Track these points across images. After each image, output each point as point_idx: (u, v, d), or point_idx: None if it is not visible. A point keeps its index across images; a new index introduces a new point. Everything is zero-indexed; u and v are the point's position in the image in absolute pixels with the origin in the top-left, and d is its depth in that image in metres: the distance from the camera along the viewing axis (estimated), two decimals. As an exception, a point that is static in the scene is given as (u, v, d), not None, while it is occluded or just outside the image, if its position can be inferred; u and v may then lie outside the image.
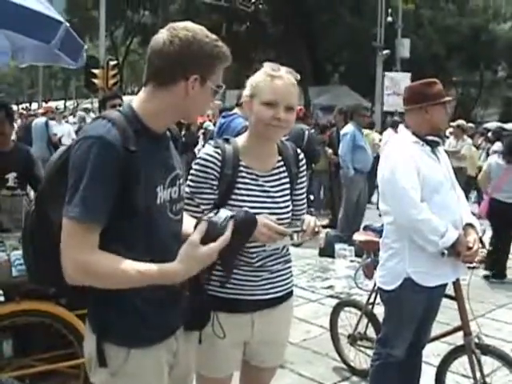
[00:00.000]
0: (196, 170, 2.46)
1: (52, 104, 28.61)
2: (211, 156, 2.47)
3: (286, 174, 2.59)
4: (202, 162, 2.46)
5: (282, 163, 2.60)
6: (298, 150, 2.71)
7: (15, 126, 15.69)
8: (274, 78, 2.42)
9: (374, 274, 3.73)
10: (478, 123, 20.98)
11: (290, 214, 2.55)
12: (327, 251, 8.49)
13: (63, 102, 51.07)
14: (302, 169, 2.68)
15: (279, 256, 2.58)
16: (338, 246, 8.54)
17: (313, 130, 10.05)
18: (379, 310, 3.87)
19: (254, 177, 2.52)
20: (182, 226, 2.20)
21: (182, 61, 1.93)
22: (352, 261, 8.05)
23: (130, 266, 1.83)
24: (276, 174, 2.58)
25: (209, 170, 2.45)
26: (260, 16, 31.46)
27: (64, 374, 3.49)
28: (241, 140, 2.57)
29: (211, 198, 2.45)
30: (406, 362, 3.57)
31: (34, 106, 39.35)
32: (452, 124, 12.86)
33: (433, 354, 4.38)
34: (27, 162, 4.52)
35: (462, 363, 3.72)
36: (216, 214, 1.95)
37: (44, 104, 31.48)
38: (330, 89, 31.38)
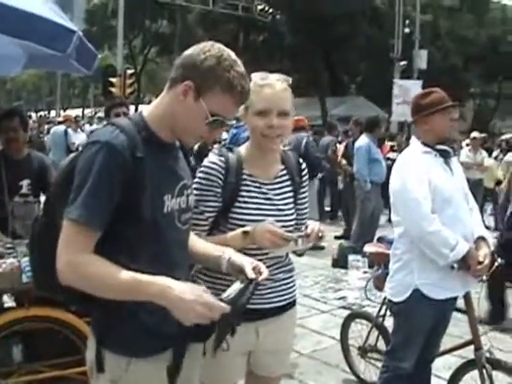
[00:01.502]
0: (200, 177, 2.49)
1: (70, 112, 28.87)
2: (215, 164, 2.50)
3: (289, 182, 2.62)
4: (207, 169, 2.49)
5: (285, 172, 2.63)
6: (301, 160, 2.73)
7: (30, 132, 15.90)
8: (262, 87, 2.44)
9: (385, 285, 3.71)
10: (496, 135, 20.79)
11: (294, 222, 2.56)
12: (340, 262, 8.46)
13: (81, 109, 51.45)
14: (304, 178, 2.71)
15: (282, 265, 2.60)
16: (351, 257, 8.49)
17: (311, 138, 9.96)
18: (390, 323, 3.84)
19: (258, 185, 2.54)
20: (189, 236, 2.20)
21: (187, 64, 1.94)
22: (365, 272, 7.99)
23: (121, 273, 1.81)
24: (279, 182, 2.60)
25: (213, 178, 2.48)
26: (277, 26, 31.54)
27: (72, 380, 3.50)
28: (243, 149, 2.60)
29: (215, 205, 2.48)
30: (415, 375, 3.53)
31: (53, 113, 39.70)
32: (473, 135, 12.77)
33: (444, 367, 4.33)
34: (41, 169, 4.55)
35: (473, 377, 3.67)
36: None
37: (62, 112, 31.78)
38: (346, 100, 31.38)
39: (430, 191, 3.29)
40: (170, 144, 2.08)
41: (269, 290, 2.50)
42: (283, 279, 2.60)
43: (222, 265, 2.17)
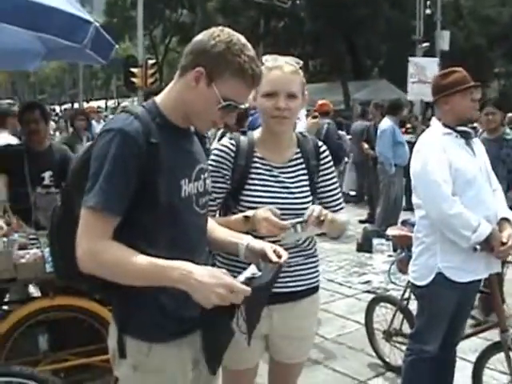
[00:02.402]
0: (211, 159, 2.52)
1: (93, 104, 29.05)
2: (225, 147, 2.56)
3: (303, 165, 2.60)
4: (217, 151, 2.53)
5: (300, 155, 2.62)
6: (320, 143, 2.70)
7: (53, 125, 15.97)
8: (271, 70, 2.45)
9: (408, 268, 3.68)
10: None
11: (307, 206, 2.50)
12: (365, 246, 8.43)
13: (104, 101, 51.79)
14: (323, 161, 2.67)
15: (299, 250, 2.57)
16: (375, 241, 8.49)
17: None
18: (415, 306, 3.82)
19: (269, 168, 2.55)
20: (207, 220, 2.21)
21: (198, 50, 1.94)
22: (390, 256, 7.95)
23: (140, 258, 1.83)
24: (293, 165, 2.59)
25: (222, 160, 2.52)
26: (297, 12, 31.35)
27: (97, 367, 3.54)
28: (257, 133, 2.62)
29: (223, 187, 2.51)
30: (440, 357, 3.50)
31: (76, 106, 40.03)
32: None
33: (470, 350, 4.31)
34: (63, 160, 4.59)
35: (500, 360, 3.64)
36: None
37: (85, 104, 32.00)
38: (369, 83, 31.07)
39: (450, 173, 3.25)
40: (185, 129, 2.09)
41: (284, 274, 2.46)
42: (301, 264, 2.58)
43: (240, 250, 2.17)
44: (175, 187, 1.97)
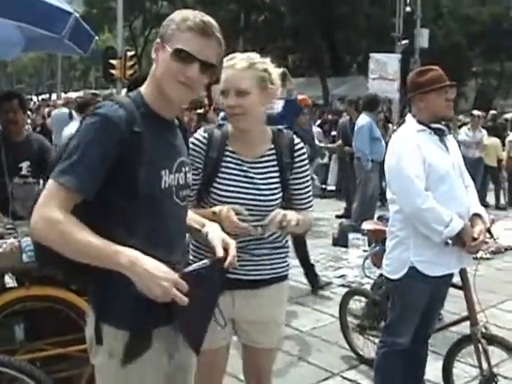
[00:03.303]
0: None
1: (71, 94, 28.75)
2: (197, 139, 2.60)
3: (275, 162, 2.62)
4: (190, 144, 2.52)
5: (272, 151, 2.64)
6: (296, 140, 2.71)
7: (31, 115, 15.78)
8: (225, 69, 2.52)
9: (382, 262, 3.74)
10: (498, 114, 20.71)
11: (276, 202, 2.57)
12: (341, 241, 8.51)
13: (82, 92, 51.24)
14: (298, 159, 2.69)
15: (265, 242, 2.61)
16: (351, 236, 8.56)
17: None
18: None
19: (239, 162, 2.58)
20: (187, 212, 2.23)
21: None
22: (365, 250, 8.02)
23: (93, 236, 1.83)
24: (264, 161, 2.62)
25: (194, 153, 2.55)
26: (278, 6, 31.31)
27: (74, 358, 3.54)
28: (230, 127, 2.64)
29: (196, 178, 2.52)
30: (412, 350, 3.58)
31: (54, 96, 39.62)
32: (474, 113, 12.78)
33: (441, 343, 4.38)
34: (41, 150, 4.58)
35: (470, 353, 3.72)
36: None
37: (63, 94, 31.65)
38: (348, 79, 31.14)
39: (424, 169, 3.31)
40: (169, 121, 2.12)
41: (246, 263, 2.53)
42: (266, 254, 2.63)
43: (203, 239, 2.23)
44: (156, 177, 2.00)
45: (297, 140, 2.71)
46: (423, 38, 26.31)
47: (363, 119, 8.96)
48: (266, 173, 2.60)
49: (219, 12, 30.45)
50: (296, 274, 6.07)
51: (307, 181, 2.74)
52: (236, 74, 2.49)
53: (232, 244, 2.12)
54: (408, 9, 26.83)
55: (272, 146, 2.64)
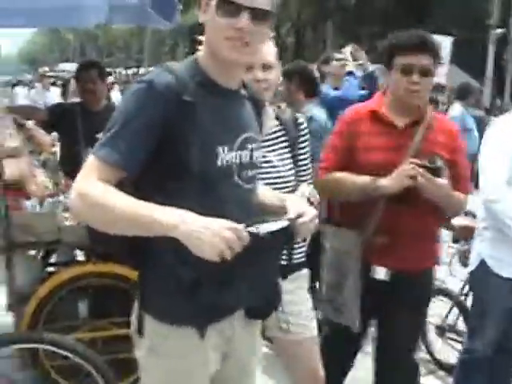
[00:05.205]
0: None
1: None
2: None
3: (284, 138, 2.65)
4: None
5: (280, 127, 2.66)
6: (298, 115, 2.76)
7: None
8: None
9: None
10: None
11: (291, 178, 2.63)
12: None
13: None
14: (301, 132, 2.72)
15: None
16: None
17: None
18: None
19: None
20: (254, 196, 1.96)
21: None
22: (450, 247, 7.66)
23: (134, 200, 1.63)
24: (274, 138, 2.63)
25: None
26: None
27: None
28: None
29: None
30: (495, 360, 3.20)
31: (142, 70, 40.39)
32: None
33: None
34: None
35: None
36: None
37: (150, 69, 32.20)
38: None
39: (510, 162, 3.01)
40: (232, 91, 1.87)
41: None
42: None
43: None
44: (210, 154, 1.75)
45: (298, 115, 2.77)
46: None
47: (457, 109, 8.44)
48: (277, 149, 2.62)
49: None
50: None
51: (309, 156, 2.77)
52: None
53: (310, 212, 1.85)
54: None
55: (278, 123, 2.67)
